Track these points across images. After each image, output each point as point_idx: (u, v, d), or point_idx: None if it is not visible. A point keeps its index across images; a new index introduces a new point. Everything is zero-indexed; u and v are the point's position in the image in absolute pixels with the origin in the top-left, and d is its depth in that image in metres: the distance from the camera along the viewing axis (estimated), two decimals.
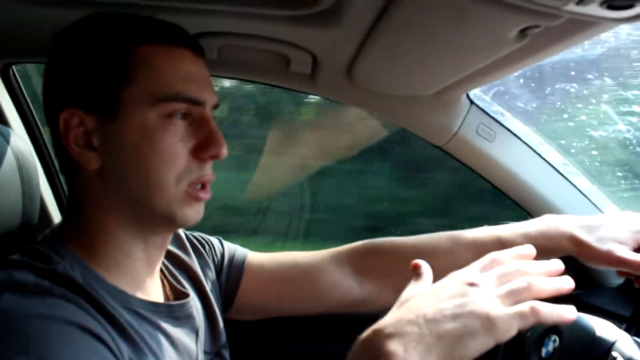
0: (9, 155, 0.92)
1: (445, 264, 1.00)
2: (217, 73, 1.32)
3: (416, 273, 0.71)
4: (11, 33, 1.16)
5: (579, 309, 0.92)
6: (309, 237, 2.31)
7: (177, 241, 0.98)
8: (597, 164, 1.54)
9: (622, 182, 1.58)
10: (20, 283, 0.66)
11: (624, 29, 1.31)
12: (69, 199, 0.82)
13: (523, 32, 0.76)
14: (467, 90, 1.23)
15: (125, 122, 0.74)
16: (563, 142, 1.45)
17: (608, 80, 1.56)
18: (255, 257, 1.07)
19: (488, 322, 0.59)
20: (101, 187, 0.77)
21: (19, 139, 0.97)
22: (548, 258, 1.04)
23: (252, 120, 2.34)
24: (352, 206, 2.40)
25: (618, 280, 1.17)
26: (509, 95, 1.42)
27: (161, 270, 0.88)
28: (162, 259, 0.86)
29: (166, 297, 0.87)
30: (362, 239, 1.11)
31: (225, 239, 1.10)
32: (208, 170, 0.80)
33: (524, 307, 0.60)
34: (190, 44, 0.80)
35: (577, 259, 0.95)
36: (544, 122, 1.52)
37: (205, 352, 0.90)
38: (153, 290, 0.83)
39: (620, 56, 1.49)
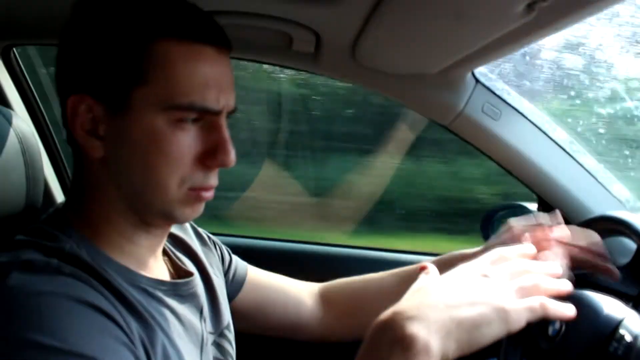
0: (12, 138, 0.92)
1: (376, 294, 1.12)
2: None
3: (425, 273, 0.74)
4: (12, 15, 1.15)
5: (586, 288, 0.93)
6: None
7: (179, 225, 0.98)
8: (603, 142, 1.53)
9: (630, 160, 1.58)
10: (28, 262, 0.66)
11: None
12: (74, 179, 0.81)
13: (530, 6, 0.75)
14: (472, 68, 1.21)
15: (134, 120, 0.72)
16: (569, 120, 1.44)
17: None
18: (254, 273, 1.13)
19: (503, 312, 0.62)
20: (103, 175, 0.76)
21: (22, 121, 0.97)
22: None
23: None
24: None
25: (624, 260, 1.16)
26: (514, 73, 1.41)
27: (164, 251, 0.88)
28: (164, 241, 0.86)
29: (171, 276, 0.87)
30: None
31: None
32: (213, 178, 0.77)
33: (535, 301, 0.65)
34: (215, 39, 0.75)
35: None
36: (550, 99, 1.51)
37: (209, 332, 0.90)
38: (157, 271, 0.83)
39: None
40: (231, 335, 0.97)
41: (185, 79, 0.71)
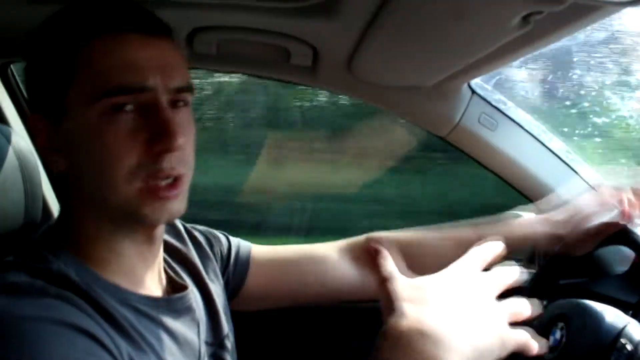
0: (10, 155, 0.92)
1: (433, 257, 1.06)
2: (217, 68, 1.32)
3: (382, 258, 0.69)
4: (8, 31, 1.15)
5: (586, 297, 0.93)
6: None
7: (174, 232, 0.97)
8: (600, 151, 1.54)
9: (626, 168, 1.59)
10: (13, 284, 0.65)
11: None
12: (59, 199, 0.82)
13: (526, 19, 0.75)
14: (468, 79, 1.22)
15: (73, 123, 0.72)
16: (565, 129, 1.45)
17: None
18: (260, 250, 1.08)
19: (502, 339, 0.61)
20: (74, 187, 0.76)
21: (20, 137, 0.97)
22: (526, 244, 1.11)
23: None
24: None
25: (623, 268, 1.17)
26: (510, 82, 1.42)
27: (160, 263, 0.87)
28: (158, 253, 0.84)
29: (165, 291, 0.86)
30: None
31: None
32: (167, 164, 0.71)
33: (522, 337, 0.63)
34: (141, 26, 0.73)
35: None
36: (546, 110, 1.52)
37: (207, 344, 0.89)
38: (151, 285, 0.82)
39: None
40: (231, 344, 0.95)
41: (109, 66, 0.69)
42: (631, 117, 1.59)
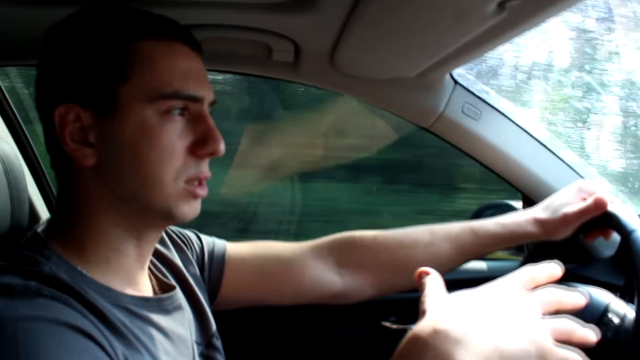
0: None
1: (424, 255, 1.07)
2: None
3: (428, 279, 0.68)
4: None
5: (574, 282, 0.94)
6: None
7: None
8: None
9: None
10: (6, 286, 0.65)
11: None
12: (59, 197, 0.81)
13: (501, 6, 0.76)
14: (450, 69, 1.23)
15: (123, 118, 0.74)
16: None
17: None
18: (235, 250, 1.07)
19: (542, 352, 0.57)
20: (96, 183, 0.76)
21: (4, 142, 0.96)
22: (519, 244, 1.12)
23: None
24: None
25: (610, 252, 1.18)
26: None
27: (148, 265, 0.88)
28: (151, 253, 0.86)
29: (154, 292, 0.87)
30: None
31: None
32: (205, 168, 0.80)
33: (572, 356, 0.59)
34: (188, 40, 0.80)
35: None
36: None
37: (196, 343, 0.90)
38: (143, 286, 0.83)
39: None
40: (219, 343, 0.96)
41: (166, 70, 0.75)
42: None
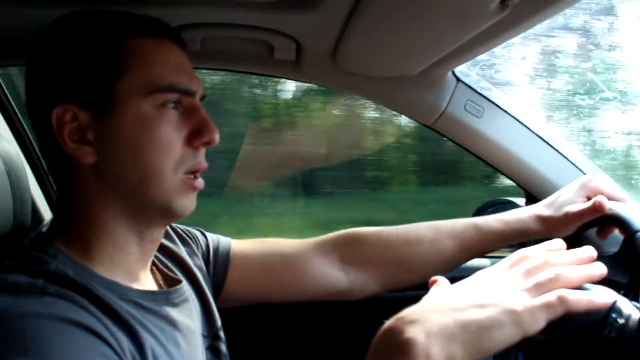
0: None
1: (428, 251, 1.07)
2: (202, 65, 1.31)
3: (436, 285, 0.70)
4: None
5: None
6: None
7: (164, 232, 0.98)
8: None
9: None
10: (13, 284, 0.66)
11: None
12: (60, 197, 0.81)
13: (503, 3, 0.76)
14: (452, 67, 1.22)
15: (121, 114, 0.75)
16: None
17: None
18: (239, 246, 1.07)
19: (514, 314, 0.58)
20: (97, 181, 0.77)
21: (6, 141, 0.96)
22: (522, 241, 1.12)
23: None
24: None
25: (614, 249, 1.18)
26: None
27: (153, 262, 0.88)
28: (154, 252, 0.87)
29: (159, 286, 0.87)
30: None
31: None
32: (202, 158, 0.82)
33: (551, 296, 0.59)
34: (175, 36, 0.82)
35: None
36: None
37: (203, 336, 0.90)
38: (146, 282, 0.84)
39: None
40: (224, 337, 0.97)
41: (159, 65, 0.77)
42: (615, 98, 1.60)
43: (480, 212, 1.49)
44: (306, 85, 1.81)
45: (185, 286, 0.89)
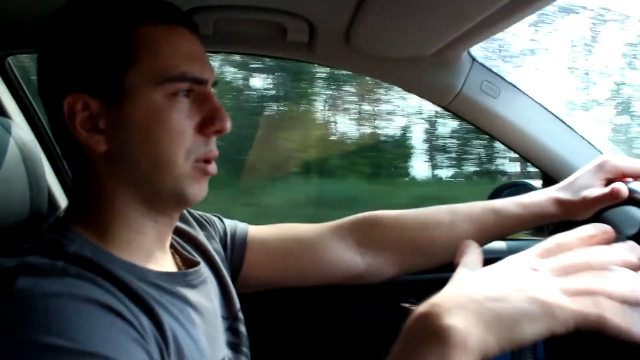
0: (12, 147, 0.92)
1: (446, 235, 1.07)
2: (214, 48, 1.30)
3: (466, 252, 0.68)
4: (5, 25, 1.15)
5: None
6: None
7: (181, 217, 0.98)
8: None
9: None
10: (34, 265, 0.66)
11: None
12: (74, 184, 0.81)
13: None
14: (468, 47, 1.21)
15: (132, 103, 0.74)
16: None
17: None
18: (257, 231, 1.08)
19: (548, 308, 0.55)
20: (109, 169, 0.77)
21: (21, 129, 0.97)
22: (541, 224, 1.10)
23: None
24: None
25: (632, 230, 1.17)
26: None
27: (170, 244, 0.89)
28: (171, 234, 0.87)
29: (178, 268, 0.88)
30: None
31: None
32: (213, 146, 0.81)
33: (591, 310, 0.56)
34: (187, 21, 0.80)
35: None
36: None
37: (223, 318, 0.91)
38: (165, 263, 0.84)
39: None
40: (242, 318, 0.97)
41: (170, 53, 0.76)
42: None
43: (496, 194, 1.48)
44: None
45: (203, 268, 0.90)
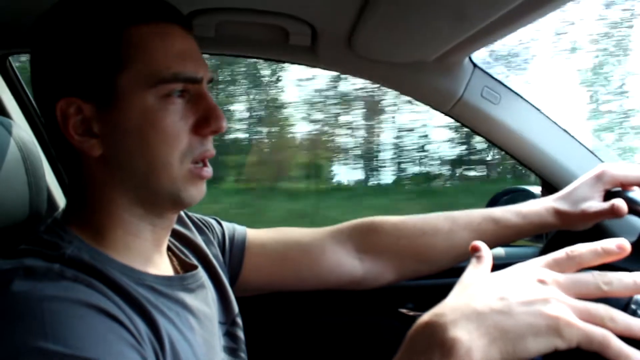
0: (12, 147, 0.91)
1: (445, 243, 1.07)
2: (216, 50, 1.31)
3: (476, 256, 0.67)
4: (6, 24, 1.15)
5: (594, 269, 0.93)
6: None
7: (179, 219, 0.98)
8: None
9: None
10: (31, 268, 0.66)
11: None
12: (71, 187, 0.81)
13: None
14: (469, 52, 1.21)
15: (125, 107, 0.73)
16: None
17: None
18: (255, 235, 1.07)
19: (555, 325, 0.55)
20: (105, 173, 0.76)
21: (21, 130, 0.96)
22: (539, 233, 1.10)
23: None
24: None
25: (632, 238, 1.17)
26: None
27: (168, 247, 0.88)
28: (168, 236, 0.87)
29: (176, 272, 0.87)
30: None
31: None
32: (210, 146, 0.80)
33: (597, 332, 0.55)
34: (179, 19, 0.79)
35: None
36: None
37: (220, 323, 0.91)
38: (163, 267, 0.84)
39: None
40: (241, 323, 0.97)
41: (162, 54, 0.74)
42: None
43: (495, 200, 1.47)
44: None
45: (201, 272, 0.89)
